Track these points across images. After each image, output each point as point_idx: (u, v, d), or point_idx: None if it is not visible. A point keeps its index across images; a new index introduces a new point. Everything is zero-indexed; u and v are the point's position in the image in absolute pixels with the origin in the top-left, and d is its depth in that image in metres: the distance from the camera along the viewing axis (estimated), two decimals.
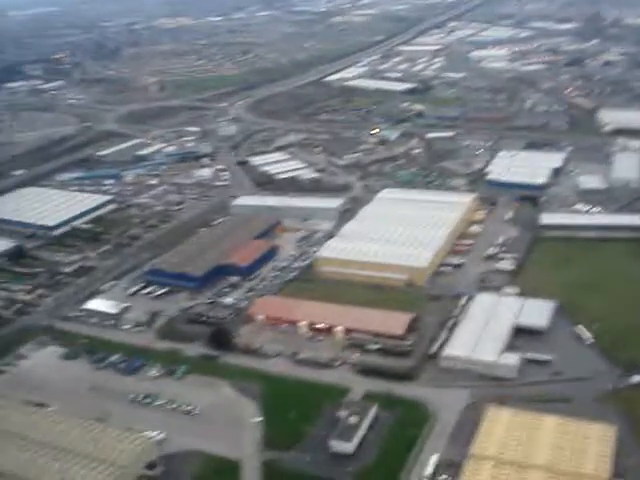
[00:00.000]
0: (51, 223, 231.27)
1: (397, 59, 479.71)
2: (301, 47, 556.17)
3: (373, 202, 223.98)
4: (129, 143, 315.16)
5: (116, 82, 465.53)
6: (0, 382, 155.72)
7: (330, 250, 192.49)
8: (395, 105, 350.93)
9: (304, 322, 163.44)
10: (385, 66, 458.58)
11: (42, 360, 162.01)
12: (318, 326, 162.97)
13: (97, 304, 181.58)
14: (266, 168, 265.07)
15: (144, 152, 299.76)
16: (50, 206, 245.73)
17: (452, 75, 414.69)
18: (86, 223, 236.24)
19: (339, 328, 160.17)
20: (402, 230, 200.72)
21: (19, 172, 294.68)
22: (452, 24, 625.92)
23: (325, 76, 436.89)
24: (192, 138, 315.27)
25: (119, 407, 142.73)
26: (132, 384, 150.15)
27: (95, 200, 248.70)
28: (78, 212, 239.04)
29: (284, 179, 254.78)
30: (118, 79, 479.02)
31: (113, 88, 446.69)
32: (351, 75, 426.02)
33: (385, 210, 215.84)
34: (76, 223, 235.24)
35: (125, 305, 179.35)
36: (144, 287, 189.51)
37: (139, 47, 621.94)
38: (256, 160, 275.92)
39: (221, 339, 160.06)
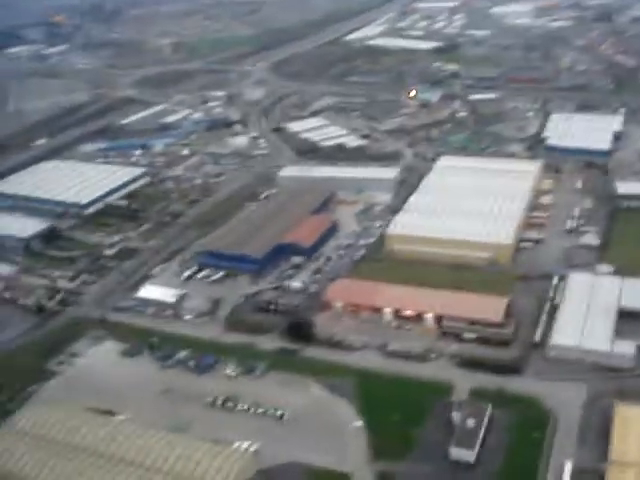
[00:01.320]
0: (83, 200, 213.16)
1: (415, 16, 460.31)
2: (310, 5, 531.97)
3: (433, 171, 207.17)
4: (151, 110, 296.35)
5: (124, 45, 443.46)
6: (56, 385, 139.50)
7: (401, 226, 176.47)
8: (426, 65, 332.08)
9: (388, 309, 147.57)
10: (404, 24, 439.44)
11: (100, 358, 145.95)
12: (405, 313, 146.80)
13: (151, 292, 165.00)
14: (306, 135, 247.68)
15: (170, 120, 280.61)
16: (78, 181, 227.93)
17: (476, 33, 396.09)
18: (120, 199, 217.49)
19: (429, 315, 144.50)
20: (473, 203, 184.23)
21: (40, 142, 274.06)
22: None
23: (343, 35, 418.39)
24: (218, 103, 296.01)
25: (197, 413, 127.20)
26: (207, 385, 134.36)
27: (127, 173, 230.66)
28: (110, 187, 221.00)
29: (328, 147, 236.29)
30: (126, 42, 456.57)
31: (122, 51, 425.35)
32: (371, 34, 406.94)
33: (448, 180, 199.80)
34: (109, 199, 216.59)
35: (182, 292, 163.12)
36: (198, 271, 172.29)
37: (139, 8, 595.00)
38: (293, 126, 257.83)
39: (300, 330, 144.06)
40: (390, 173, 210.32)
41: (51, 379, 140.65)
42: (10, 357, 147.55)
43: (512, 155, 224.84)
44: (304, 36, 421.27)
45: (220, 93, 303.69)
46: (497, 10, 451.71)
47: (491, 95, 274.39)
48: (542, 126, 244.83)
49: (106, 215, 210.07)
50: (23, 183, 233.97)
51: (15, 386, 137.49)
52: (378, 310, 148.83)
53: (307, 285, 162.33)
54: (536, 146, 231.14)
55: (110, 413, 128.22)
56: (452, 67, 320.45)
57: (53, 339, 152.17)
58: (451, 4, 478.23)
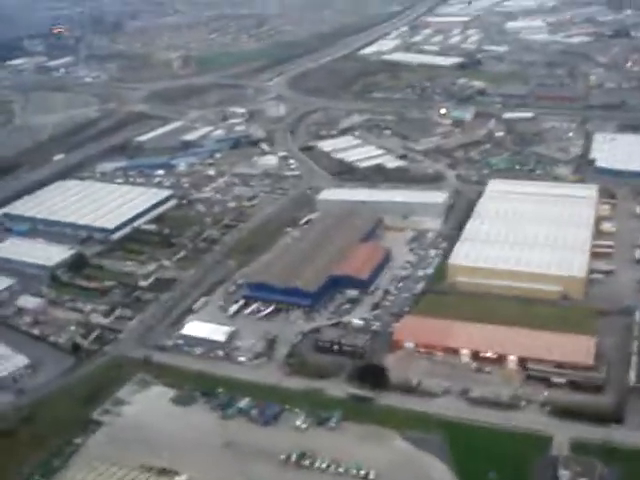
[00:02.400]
0: (109, 224, 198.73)
1: (427, 31, 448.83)
2: (317, 19, 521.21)
3: (485, 196, 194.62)
4: (169, 127, 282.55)
5: (130, 58, 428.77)
6: (103, 437, 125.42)
7: (463, 257, 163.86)
8: (450, 81, 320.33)
9: (466, 350, 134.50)
10: (418, 39, 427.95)
11: (149, 406, 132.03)
12: (484, 354, 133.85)
13: (196, 328, 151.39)
14: (339, 155, 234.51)
15: (190, 137, 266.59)
16: (102, 203, 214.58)
17: (495, 48, 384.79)
18: (148, 223, 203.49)
19: (512, 357, 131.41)
20: (535, 230, 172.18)
21: (59, 157, 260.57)
22: None
23: (357, 50, 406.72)
24: (239, 120, 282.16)
25: (270, 472, 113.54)
26: (275, 438, 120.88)
27: (154, 195, 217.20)
28: (138, 210, 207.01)
29: (365, 168, 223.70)
30: (131, 55, 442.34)
31: (129, 65, 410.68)
32: (386, 48, 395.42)
33: (504, 206, 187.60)
34: (137, 223, 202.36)
35: (232, 330, 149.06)
36: (245, 304, 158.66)
37: (140, 20, 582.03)
38: (323, 145, 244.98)
39: (372, 375, 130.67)
40: (438, 197, 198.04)
41: (97, 431, 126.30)
42: (49, 404, 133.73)
43: (559, 178, 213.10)
44: (315, 50, 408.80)
45: (241, 109, 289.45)
46: (511, 25, 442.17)
47: (527, 114, 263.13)
48: (586, 147, 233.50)
49: (135, 241, 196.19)
50: (41, 204, 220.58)
51: (58, 439, 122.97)
52: (454, 351, 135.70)
53: (369, 322, 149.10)
54: (584, 168, 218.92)
55: (169, 472, 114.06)
56: (478, 84, 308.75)
57: (94, 383, 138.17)
58: (463, 19, 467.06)
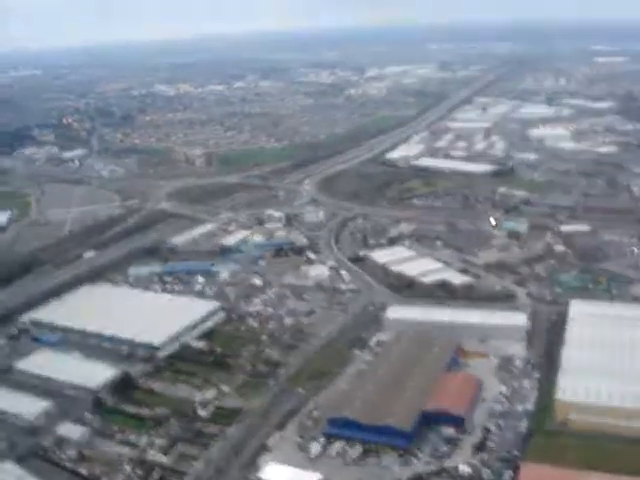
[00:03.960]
0: (155, 340, 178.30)
1: (449, 136, 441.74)
2: (331, 120, 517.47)
3: (573, 320, 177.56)
4: (202, 229, 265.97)
5: (148, 153, 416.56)
6: None
7: (572, 392, 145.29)
8: (489, 189, 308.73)
9: None
10: (441, 144, 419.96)
11: None
12: None
13: (277, 473, 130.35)
14: (397, 268, 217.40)
15: (229, 242, 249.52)
16: (143, 313, 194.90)
17: (524, 156, 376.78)
18: (197, 339, 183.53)
19: None
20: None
21: (89, 254, 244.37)
22: (481, 100, 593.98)
23: (381, 153, 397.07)
24: (278, 225, 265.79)
25: None
26: None
27: (200, 307, 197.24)
28: (185, 324, 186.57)
29: (429, 283, 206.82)
30: (148, 149, 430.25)
31: (147, 160, 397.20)
32: (412, 154, 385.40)
33: (596, 331, 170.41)
34: (185, 339, 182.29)
35: (319, 477, 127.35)
36: (327, 443, 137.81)
37: (150, 114, 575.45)
38: (376, 256, 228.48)
39: None
40: (519, 319, 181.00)
41: None
42: None
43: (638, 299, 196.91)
44: (338, 152, 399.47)
45: (277, 213, 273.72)
46: (535, 132, 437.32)
47: (584, 227, 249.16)
48: None
49: (185, 360, 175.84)
50: (72, 311, 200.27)
51: None
52: None
53: (477, 468, 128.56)
54: None
55: None
56: (521, 193, 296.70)
57: None
58: (484, 124, 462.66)
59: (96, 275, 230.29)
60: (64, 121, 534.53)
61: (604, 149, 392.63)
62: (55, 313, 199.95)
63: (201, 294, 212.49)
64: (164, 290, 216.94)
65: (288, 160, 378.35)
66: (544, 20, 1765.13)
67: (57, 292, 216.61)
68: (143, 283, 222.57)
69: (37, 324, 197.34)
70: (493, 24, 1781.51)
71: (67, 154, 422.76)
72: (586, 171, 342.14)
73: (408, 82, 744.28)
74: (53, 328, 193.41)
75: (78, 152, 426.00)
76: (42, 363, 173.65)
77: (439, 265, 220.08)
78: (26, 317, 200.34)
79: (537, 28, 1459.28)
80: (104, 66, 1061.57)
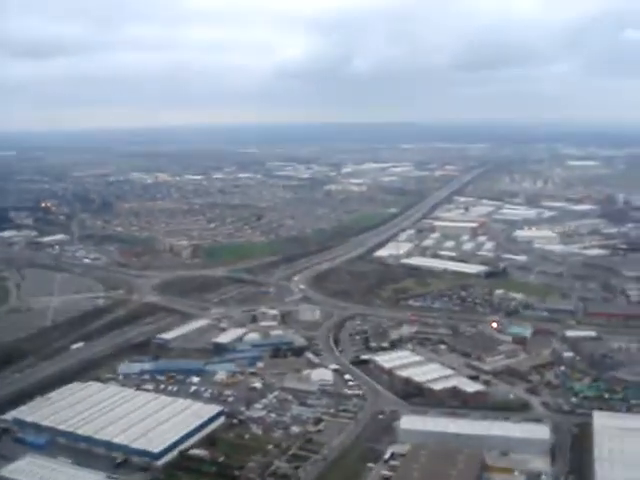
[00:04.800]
0: (152, 447, 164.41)
1: (435, 235, 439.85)
2: (314, 215, 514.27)
3: (599, 434, 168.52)
4: (194, 325, 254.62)
5: (130, 242, 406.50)
6: None
7: None
8: (485, 291, 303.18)
9: None
10: (429, 242, 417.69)
11: None
12: None
13: None
14: (404, 373, 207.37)
15: (223, 339, 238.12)
16: (137, 416, 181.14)
17: (514, 257, 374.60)
18: (196, 447, 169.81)
19: None
20: None
21: (77, 346, 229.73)
22: (461, 199, 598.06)
23: (370, 251, 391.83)
24: (273, 323, 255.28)
25: None
26: None
27: (199, 411, 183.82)
28: (184, 430, 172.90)
29: (440, 391, 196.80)
30: (131, 238, 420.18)
31: (130, 248, 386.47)
32: (401, 252, 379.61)
33: (626, 446, 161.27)
34: (184, 446, 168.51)
35: None
36: None
37: (129, 202, 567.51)
38: (381, 360, 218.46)
39: None
40: (542, 432, 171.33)
41: None
42: None
43: None
44: (326, 248, 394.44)
45: (272, 311, 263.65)
46: (521, 234, 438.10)
47: (590, 333, 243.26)
48: None
49: (184, 470, 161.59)
50: (59, 411, 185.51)
51: None
52: None
53: None
54: None
55: None
56: (519, 296, 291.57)
57: None
58: (470, 224, 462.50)
59: (83, 370, 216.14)
60: (42, 205, 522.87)
61: (593, 252, 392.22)
62: (41, 412, 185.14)
63: (197, 396, 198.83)
64: (157, 390, 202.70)
65: (275, 254, 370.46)
66: (509, 122, 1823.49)
67: (42, 388, 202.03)
68: (134, 382, 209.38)
69: (21, 423, 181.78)
70: (465, 124, 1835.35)
71: (47, 239, 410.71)
72: (579, 274, 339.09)
73: (387, 180, 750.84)
74: (39, 428, 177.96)
75: (58, 237, 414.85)
76: (28, 470, 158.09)
77: (448, 371, 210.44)
78: (9, 415, 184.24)
79: (504, 131, 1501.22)
80: (79, 150, 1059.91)
